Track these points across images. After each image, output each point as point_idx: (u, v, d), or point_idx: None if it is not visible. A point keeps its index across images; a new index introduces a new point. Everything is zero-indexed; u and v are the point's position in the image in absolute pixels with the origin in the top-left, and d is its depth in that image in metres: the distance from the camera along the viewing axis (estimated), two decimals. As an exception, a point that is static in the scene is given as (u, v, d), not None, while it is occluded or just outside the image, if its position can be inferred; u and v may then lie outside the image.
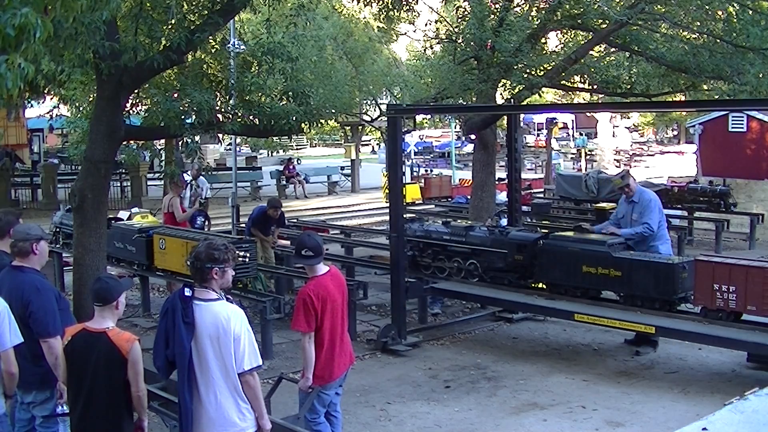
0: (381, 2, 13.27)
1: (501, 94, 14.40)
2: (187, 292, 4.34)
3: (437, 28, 14.20)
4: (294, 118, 9.30)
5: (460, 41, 12.93)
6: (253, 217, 11.73)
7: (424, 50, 15.45)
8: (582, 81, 14.40)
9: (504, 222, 11.37)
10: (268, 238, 11.53)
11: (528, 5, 13.19)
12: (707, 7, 11.39)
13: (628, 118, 46.95)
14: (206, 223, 12.57)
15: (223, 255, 4.39)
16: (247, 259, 8.77)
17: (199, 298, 4.33)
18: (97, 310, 4.48)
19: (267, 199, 12.28)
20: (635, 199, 9.10)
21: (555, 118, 37.13)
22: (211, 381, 4.31)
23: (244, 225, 15.17)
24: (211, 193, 14.49)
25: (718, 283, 7.72)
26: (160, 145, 15.11)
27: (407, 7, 13.61)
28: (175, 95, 9.19)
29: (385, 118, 10.57)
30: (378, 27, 19.50)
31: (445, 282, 9.96)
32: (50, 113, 12.93)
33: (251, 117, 9.42)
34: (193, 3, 9.04)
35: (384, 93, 21.14)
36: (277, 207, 11.58)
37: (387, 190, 16.74)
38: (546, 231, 10.13)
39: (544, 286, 9.28)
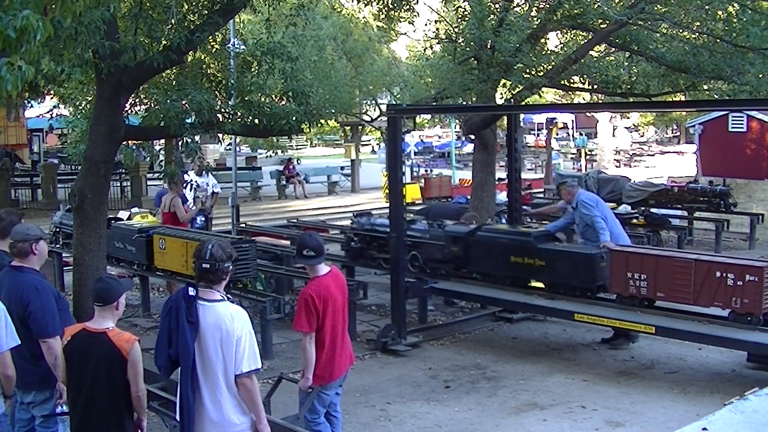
0: (381, 2, 13.25)
1: (501, 94, 14.39)
2: (191, 292, 4.35)
3: (437, 28, 14.17)
4: (294, 118, 9.29)
5: (460, 41, 12.93)
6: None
7: (424, 50, 15.44)
8: (582, 81, 14.39)
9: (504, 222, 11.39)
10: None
11: (528, 5, 13.18)
12: (707, 7, 11.38)
13: (628, 118, 46.91)
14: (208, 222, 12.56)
15: (234, 252, 4.52)
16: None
17: (203, 298, 4.34)
18: (97, 310, 4.48)
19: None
20: (573, 205, 9.41)
21: (555, 118, 37.14)
22: (213, 381, 4.31)
23: (243, 225, 15.18)
24: (219, 188, 14.39)
25: (631, 271, 8.14)
26: (159, 145, 15.08)
27: (407, 7, 13.59)
28: (175, 95, 9.18)
29: (385, 118, 10.57)
30: (378, 27, 19.51)
31: (445, 282, 9.98)
32: (50, 113, 12.92)
33: (251, 117, 9.41)
34: (193, 3, 9.04)
35: (384, 93, 21.15)
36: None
37: (387, 190, 16.73)
38: (480, 224, 10.37)
39: (478, 276, 9.69)
